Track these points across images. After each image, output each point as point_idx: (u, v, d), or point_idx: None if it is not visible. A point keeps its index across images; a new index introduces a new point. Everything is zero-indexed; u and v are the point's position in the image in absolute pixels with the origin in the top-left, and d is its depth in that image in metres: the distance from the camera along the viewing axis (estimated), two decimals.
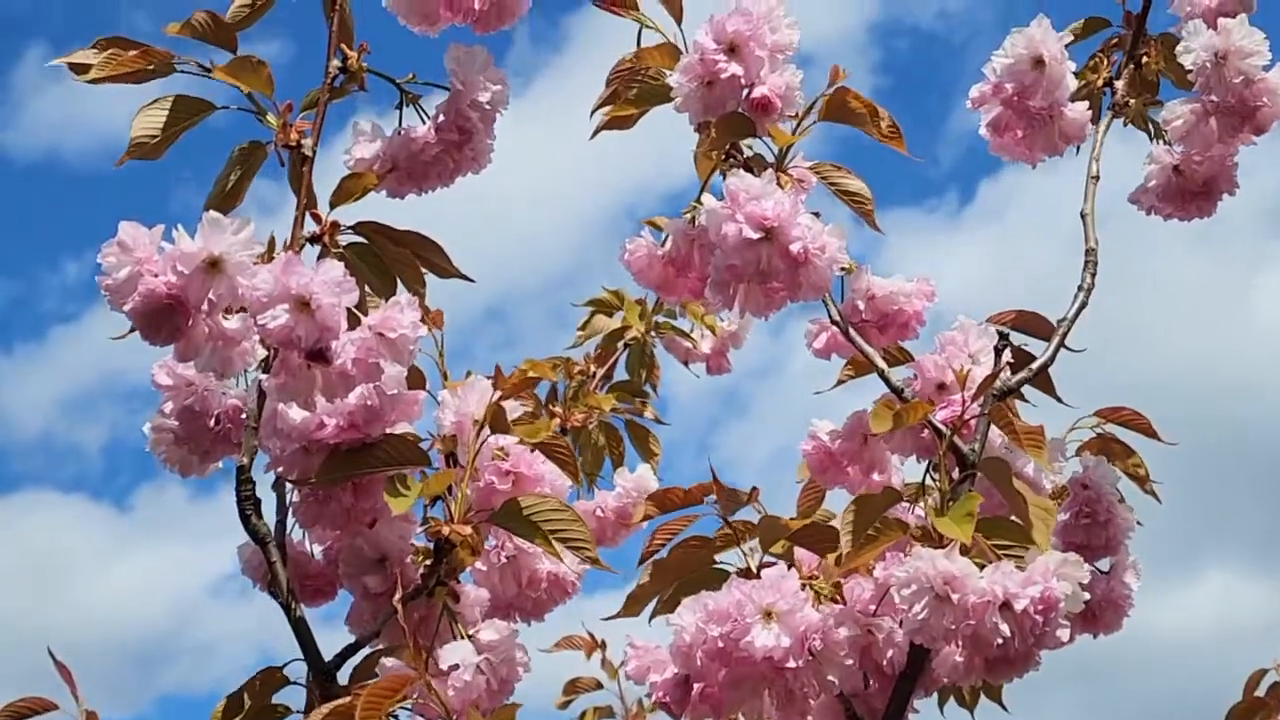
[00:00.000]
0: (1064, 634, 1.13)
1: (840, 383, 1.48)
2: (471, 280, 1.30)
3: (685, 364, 2.04)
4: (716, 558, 1.34)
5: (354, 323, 1.16)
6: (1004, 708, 1.64)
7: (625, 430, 1.89)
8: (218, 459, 1.37)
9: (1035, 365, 1.30)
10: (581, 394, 1.79)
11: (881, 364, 1.32)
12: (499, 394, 1.29)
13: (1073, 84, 1.36)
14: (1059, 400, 1.37)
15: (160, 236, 1.11)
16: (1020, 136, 1.39)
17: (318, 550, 1.39)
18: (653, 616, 1.36)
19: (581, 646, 2.29)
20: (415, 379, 1.32)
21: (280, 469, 1.27)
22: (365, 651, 1.29)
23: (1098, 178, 1.40)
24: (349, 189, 1.23)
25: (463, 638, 1.28)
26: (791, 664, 1.16)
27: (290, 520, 1.36)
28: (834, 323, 1.34)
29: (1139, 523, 1.46)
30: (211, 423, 1.34)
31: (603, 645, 2.31)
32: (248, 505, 1.23)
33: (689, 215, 1.40)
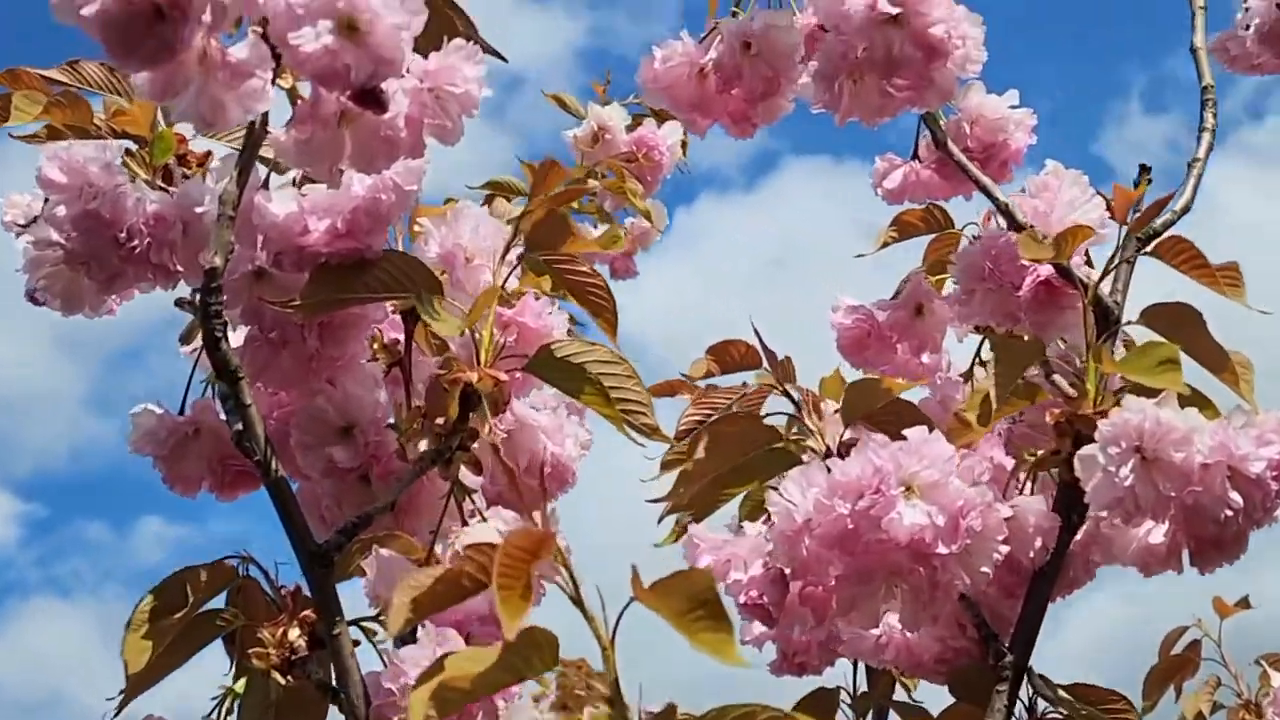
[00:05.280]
0: None
1: (885, 245, 1.24)
2: (505, 60, 0.99)
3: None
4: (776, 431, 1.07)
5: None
6: None
7: None
8: (125, 288, 1.01)
9: (1178, 205, 1.08)
10: None
11: (1002, 195, 1.09)
12: (540, 199, 0.99)
13: None
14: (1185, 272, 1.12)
15: None
16: None
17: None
18: (679, 510, 1.08)
19: None
20: None
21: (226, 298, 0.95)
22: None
23: (1205, 7, 1.21)
24: None
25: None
26: (942, 549, 0.90)
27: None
28: (937, 145, 1.10)
29: None
30: (122, 235, 0.98)
31: None
32: (217, 324, 0.89)
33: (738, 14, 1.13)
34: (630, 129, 1.66)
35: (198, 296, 0.93)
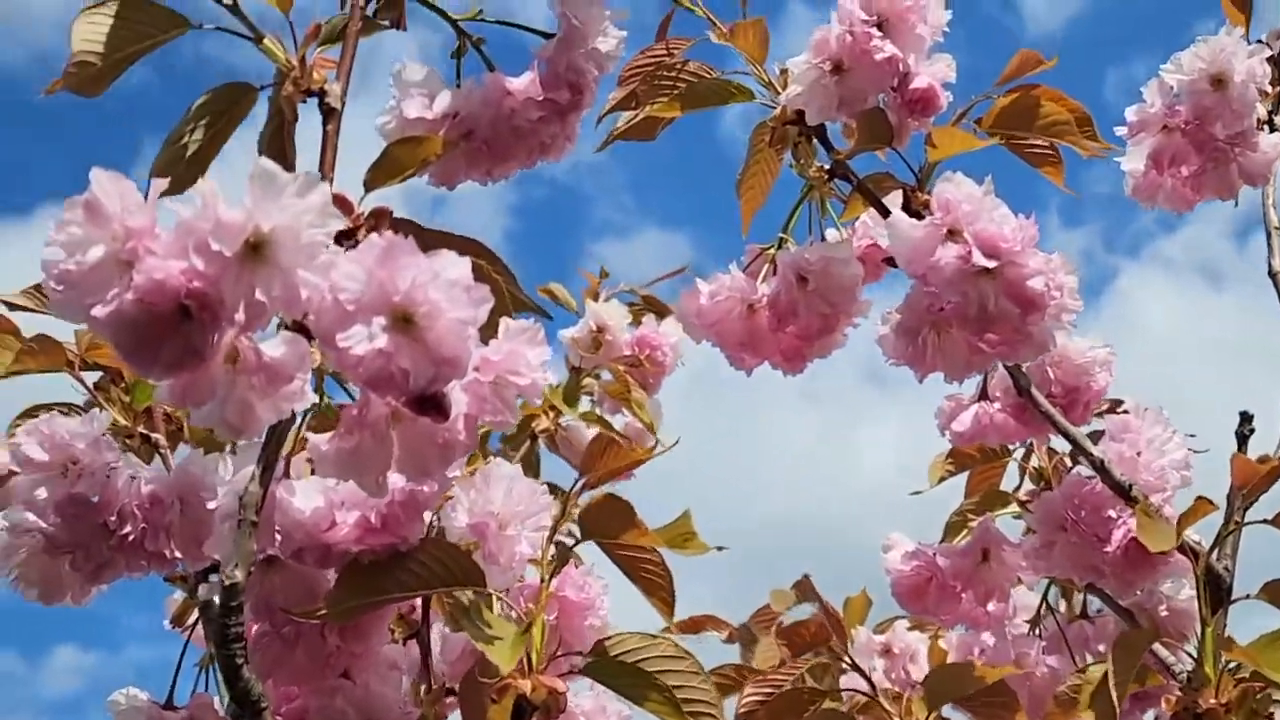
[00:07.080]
0: None
1: (942, 479, 1.14)
2: (550, 317, 0.88)
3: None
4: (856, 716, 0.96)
5: None
6: None
7: None
8: (114, 577, 0.89)
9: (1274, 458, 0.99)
10: None
11: (1096, 451, 0.98)
12: (588, 478, 0.88)
13: (1261, 112, 1.08)
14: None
15: (161, 195, 0.66)
16: (1187, 175, 1.10)
17: None
18: None
19: None
20: None
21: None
22: None
23: None
24: (400, 161, 0.79)
25: None
26: None
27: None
28: (1020, 392, 1.00)
29: None
30: (113, 521, 0.86)
31: None
32: (238, 650, 0.75)
33: (788, 246, 1.03)
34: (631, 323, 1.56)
35: (208, 594, 0.80)
